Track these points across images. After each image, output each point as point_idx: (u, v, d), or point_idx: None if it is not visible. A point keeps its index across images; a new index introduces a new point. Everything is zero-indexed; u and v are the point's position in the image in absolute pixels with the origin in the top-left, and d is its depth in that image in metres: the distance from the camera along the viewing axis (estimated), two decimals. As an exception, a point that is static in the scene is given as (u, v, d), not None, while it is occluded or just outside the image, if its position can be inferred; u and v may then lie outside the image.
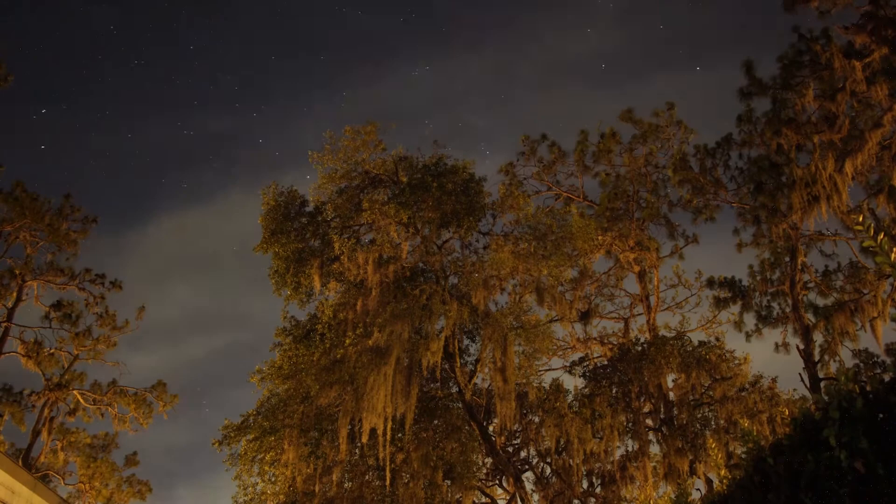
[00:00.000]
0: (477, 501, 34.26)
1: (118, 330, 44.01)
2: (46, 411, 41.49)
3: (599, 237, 37.28)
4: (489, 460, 34.26)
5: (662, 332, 38.94)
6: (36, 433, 40.95)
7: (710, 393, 33.52)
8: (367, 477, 32.33)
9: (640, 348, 34.72)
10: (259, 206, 32.69)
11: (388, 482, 30.14)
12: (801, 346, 33.48)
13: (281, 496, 31.19)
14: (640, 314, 40.95)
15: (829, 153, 28.61)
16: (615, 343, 39.30)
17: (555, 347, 38.96)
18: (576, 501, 33.18)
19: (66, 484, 44.62)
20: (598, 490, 33.92)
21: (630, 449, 33.76)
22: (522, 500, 31.97)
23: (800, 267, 34.76)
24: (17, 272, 40.89)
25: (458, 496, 32.40)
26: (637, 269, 39.87)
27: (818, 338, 34.46)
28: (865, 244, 5.99)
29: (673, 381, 34.01)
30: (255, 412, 31.91)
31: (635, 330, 40.88)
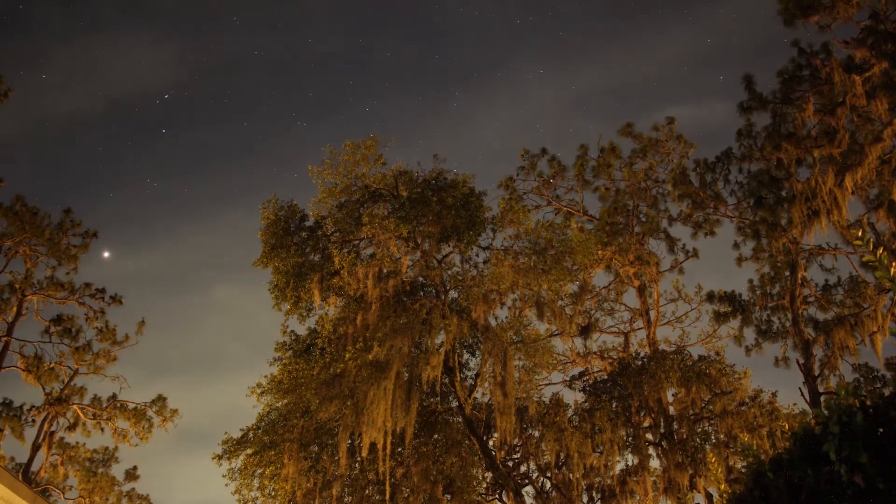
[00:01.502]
0: (477, 516, 34.23)
1: (118, 344, 44.06)
2: (46, 426, 41.51)
3: (599, 252, 37.28)
4: (489, 475, 34.19)
5: (662, 346, 38.94)
6: (36, 447, 40.96)
7: (710, 407, 33.52)
8: (367, 491, 32.32)
9: (640, 363, 34.75)
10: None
11: (387, 497, 30.12)
12: (801, 361, 33.47)
13: (281, 511, 31.21)
14: (640, 328, 40.91)
15: (829, 167, 28.64)
16: (615, 357, 39.28)
17: (555, 362, 38.90)
18: (576, 516, 33.16)
19: (65, 498, 44.64)
20: (598, 504, 33.93)
21: (630, 463, 33.78)
22: (522, 514, 31.94)
23: (800, 281, 34.77)
24: (17, 287, 40.94)
25: (458, 511, 32.39)
26: (637, 283, 39.87)
27: (818, 352, 34.47)
28: (865, 259, 6.01)
29: (673, 395, 34.04)
30: (254, 426, 31.92)
31: (635, 344, 40.83)
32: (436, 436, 33.03)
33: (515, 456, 35.01)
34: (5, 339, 40.23)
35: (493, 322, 31.88)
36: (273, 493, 31.33)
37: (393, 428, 28.81)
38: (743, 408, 32.76)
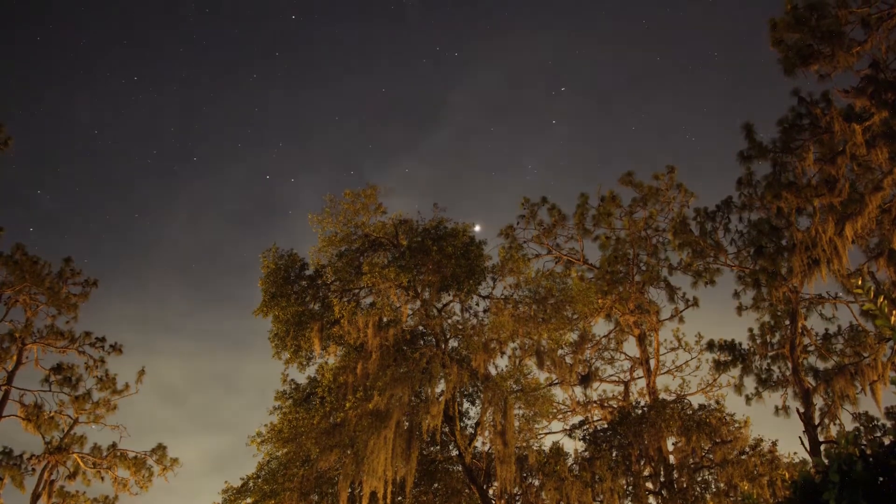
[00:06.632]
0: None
1: (118, 393, 43.92)
2: (46, 475, 41.32)
3: (599, 300, 37.31)
4: (489, 524, 34.09)
5: (662, 395, 38.89)
6: (36, 496, 40.74)
7: (711, 456, 33.45)
8: (367, 541, 32.19)
9: (640, 412, 34.70)
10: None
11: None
12: (802, 410, 33.42)
13: (280, 560, 31.02)
14: (640, 377, 40.88)
15: (830, 216, 28.65)
16: (615, 406, 39.24)
17: (555, 411, 38.86)
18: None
19: (65, 548, 44.37)
20: (598, 554, 33.75)
21: (631, 513, 33.66)
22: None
23: (800, 330, 34.75)
24: (17, 335, 40.87)
25: (458, 560, 32.25)
26: (637, 332, 39.88)
27: (818, 401, 34.41)
28: (865, 307, 6.05)
29: (673, 444, 33.98)
30: (254, 475, 31.82)
31: (635, 393, 40.78)
32: (436, 485, 32.96)
33: (516, 505, 34.90)
34: (5, 387, 40.16)
35: (493, 371, 31.92)
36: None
37: (393, 477, 28.77)
38: (743, 457, 32.70)
